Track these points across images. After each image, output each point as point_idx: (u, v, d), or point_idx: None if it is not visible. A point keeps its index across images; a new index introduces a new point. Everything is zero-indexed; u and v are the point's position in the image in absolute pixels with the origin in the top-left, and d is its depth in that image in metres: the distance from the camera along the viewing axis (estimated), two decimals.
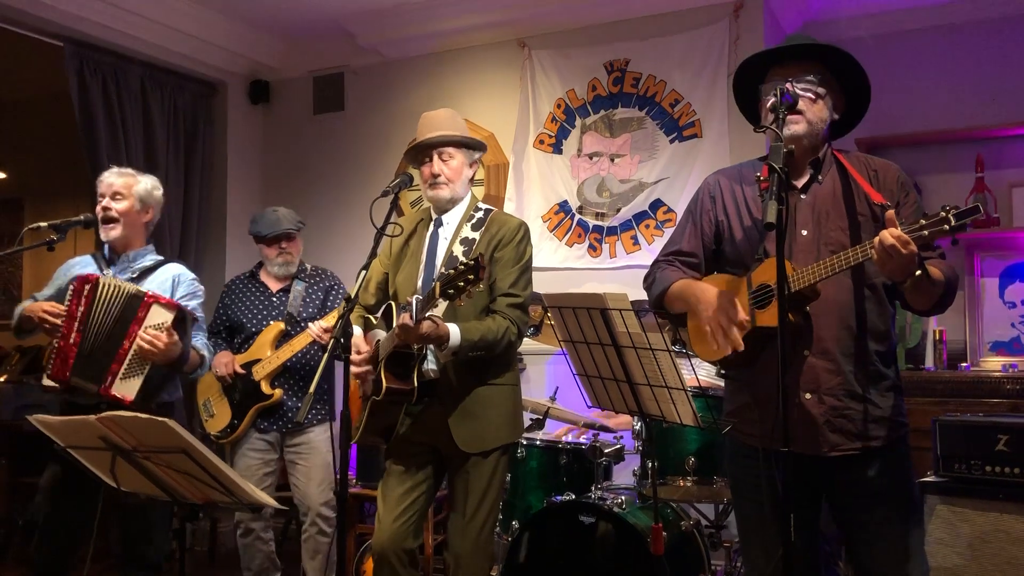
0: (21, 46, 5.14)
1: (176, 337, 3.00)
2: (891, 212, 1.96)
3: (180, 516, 2.41)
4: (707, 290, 2.25)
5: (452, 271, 2.47)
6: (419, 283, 2.94)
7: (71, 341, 3.00)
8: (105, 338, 3.00)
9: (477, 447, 2.85)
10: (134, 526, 3.06)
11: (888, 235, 1.90)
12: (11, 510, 5.45)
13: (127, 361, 2.98)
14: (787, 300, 1.94)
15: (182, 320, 3.03)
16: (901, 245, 1.89)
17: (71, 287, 3.03)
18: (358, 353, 2.83)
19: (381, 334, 2.91)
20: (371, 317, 3.03)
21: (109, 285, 3.01)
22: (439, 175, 2.95)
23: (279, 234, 3.96)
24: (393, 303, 2.90)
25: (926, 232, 1.89)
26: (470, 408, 2.85)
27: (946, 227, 1.87)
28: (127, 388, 2.97)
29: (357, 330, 2.92)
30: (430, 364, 2.81)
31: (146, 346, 2.95)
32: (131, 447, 2.20)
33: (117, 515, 3.05)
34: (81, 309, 3.00)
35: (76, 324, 3.00)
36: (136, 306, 2.98)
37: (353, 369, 2.79)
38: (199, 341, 3.23)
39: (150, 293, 3.00)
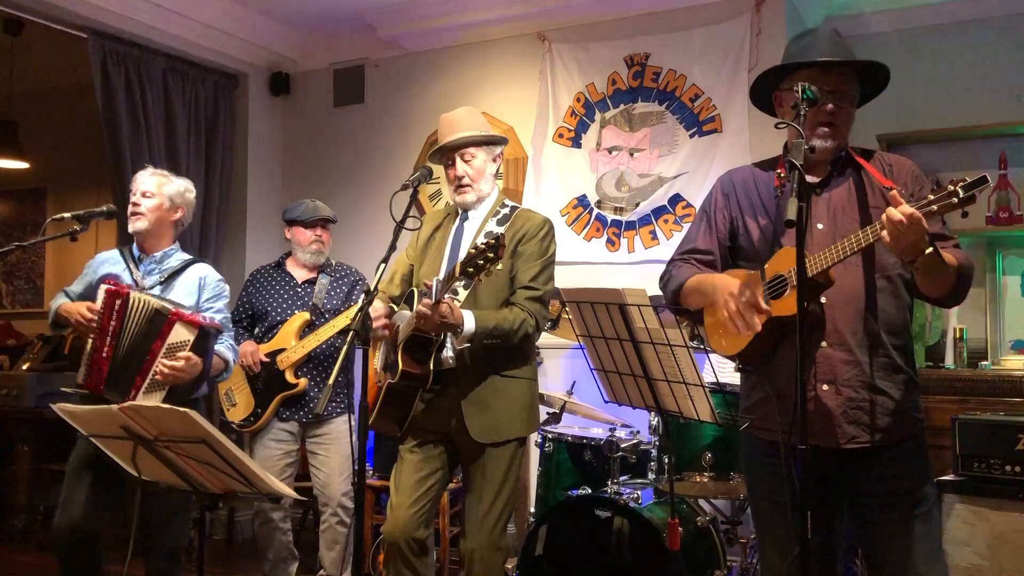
0: (45, 37, 5.19)
1: (195, 359, 3.02)
2: (895, 192, 1.94)
3: (200, 505, 2.43)
4: (723, 279, 2.25)
5: (473, 250, 2.51)
6: (442, 274, 2.95)
7: (104, 355, 3.05)
8: (131, 352, 3.04)
9: (491, 438, 2.87)
10: (154, 513, 3.09)
11: (894, 211, 1.90)
12: (33, 497, 5.52)
13: (150, 377, 3.01)
14: (802, 288, 1.94)
15: (204, 337, 3.05)
16: (907, 219, 1.88)
17: (102, 297, 3.05)
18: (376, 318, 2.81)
19: (402, 320, 2.92)
20: (394, 306, 3.04)
21: (138, 300, 3.05)
22: (463, 177, 2.98)
23: (317, 219, 4.01)
24: (415, 290, 2.91)
25: (935, 207, 1.88)
26: (485, 399, 2.86)
27: (954, 200, 1.85)
28: (149, 401, 2.97)
29: (377, 303, 2.92)
30: (448, 352, 2.82)
31: (166, 371, 2.98)
32: (152, 436, 2.22)
33: (138, 501, 3.08)
34: (113, 323, 3.04)
35: (108, 338, 3.04)
36: (160, 324, 3.01)
37: (376, 325, 2.78)
38: (224, 344, 3.27)
39: (174, 310, 3.02)
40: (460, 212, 3.05)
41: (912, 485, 2.18)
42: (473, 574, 2.88)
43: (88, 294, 3.22)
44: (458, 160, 2.98)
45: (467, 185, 2.98)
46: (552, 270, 3.01)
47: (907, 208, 1.89)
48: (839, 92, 2.21)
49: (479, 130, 3.02)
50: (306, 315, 3.95)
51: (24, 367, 5.81)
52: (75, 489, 3.06)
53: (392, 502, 2.94)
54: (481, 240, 2.89)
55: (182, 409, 2.11)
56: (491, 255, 2.47)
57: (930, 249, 1.95)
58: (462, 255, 2.93)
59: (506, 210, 3.03)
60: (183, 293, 3.22)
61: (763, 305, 2.11)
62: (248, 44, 5.57)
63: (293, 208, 4.08)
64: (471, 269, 2.50)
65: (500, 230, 2.94)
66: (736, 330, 2.16)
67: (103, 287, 3.08)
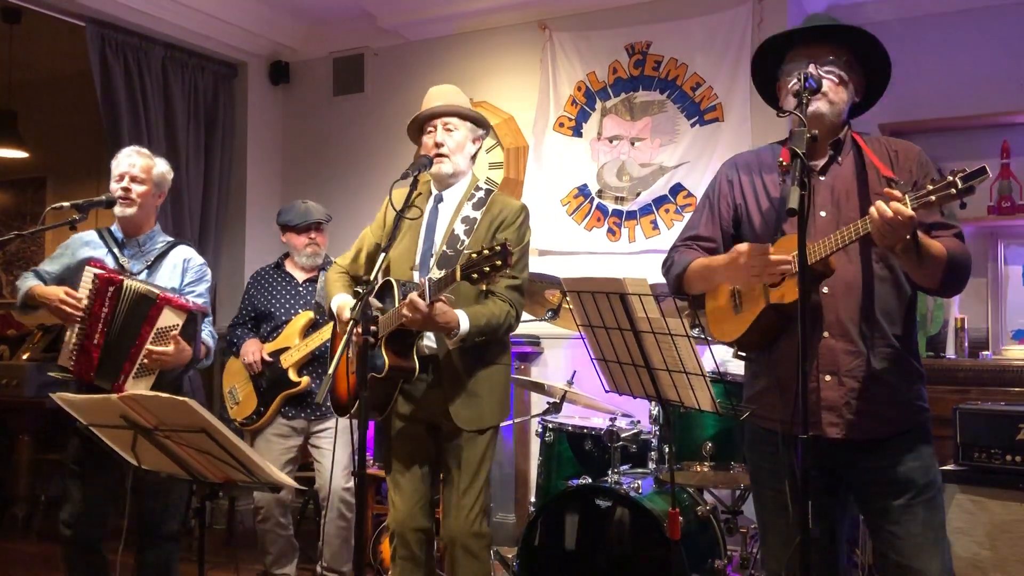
0: (44, 26, 5.17)
1: (184, 344, 3.00)
2: (888, 190, 1.93)
3: (200, 495, 2.43)
4: (724, 257, 2.23)
5: (475, 255, 2.47)
6: (417, 259, 2.94)
7: (95, 342, 3.02)
8: (120, 339, 3.01)
9: (475, 425, 2.87)
10: (150, 498, 3.09)
11: (884, 206, 1.89)
12: (34, 486, 5.52)
13: (139, 362, 2.99)
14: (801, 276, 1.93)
15: (192, 322, 3.03)
16: (899, 216, 1.88)
17: (91, 284, 3.01)
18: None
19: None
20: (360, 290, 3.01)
21: (129, 287, 3.01)
22: (442, 144, 2.92)
23: (309, 224, 4.02)
24: (394, 281, 2.88)
25: (933, 197, 1.87)
26: (470, 387, 2.86)
27: (953, 191, 1.84)
28: (139, 387, 2.97)
29: (345, 298, 2.90)
30: (428, 340, 2.83)
31: (156, 356, 2.97)
32: (152, 426, 2.21)
33: (133, 487, 3.08)
34: (105, 311, 3.00)
35: (100, 325, 3.01)
36: (147, 308, 2.98)
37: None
38: (204, 331, 3.20)
39: (161, 294, 2.98)
40: (434, 193, 3.01)
41: (916, 473, 2.17)
42: (455, 560, 2.87)
43: (66, 276, 3.16)
44: (439, 127, 2.93)
45: (444, 155, 2.92)
46: (528, 257, 3.00)
47: (899, 206, 1.88)
48: (825, 60, 2.20)
49: (468, 108, 2.99)
50: (310, 314, 3.96)
51: (24, 357, 5.81)
52: (70, 489, 3.08)
53: (392, 498, 2.96)
54: (461, 233, 2.87)
55: (181, 398, 2.10)
56: (499, 263, 2.42)
57: (908, 236, 1.94)
58: (438, 237, 2.91)
59: (481, 193, 2.98)
60: (167, 276, 3.19)
61: (775, 253, 2.10)
62: (247, 33, 5.55)
63: (285, 212, 4.07)
64: (475, 275, 2.46)
65: (477, 215, 2.91)
66: (770, 280, 2.13)
67: (89, 270, 3.03)
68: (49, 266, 3.22)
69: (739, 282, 2.22)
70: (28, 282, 3.14)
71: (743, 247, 2.16)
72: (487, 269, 2.44)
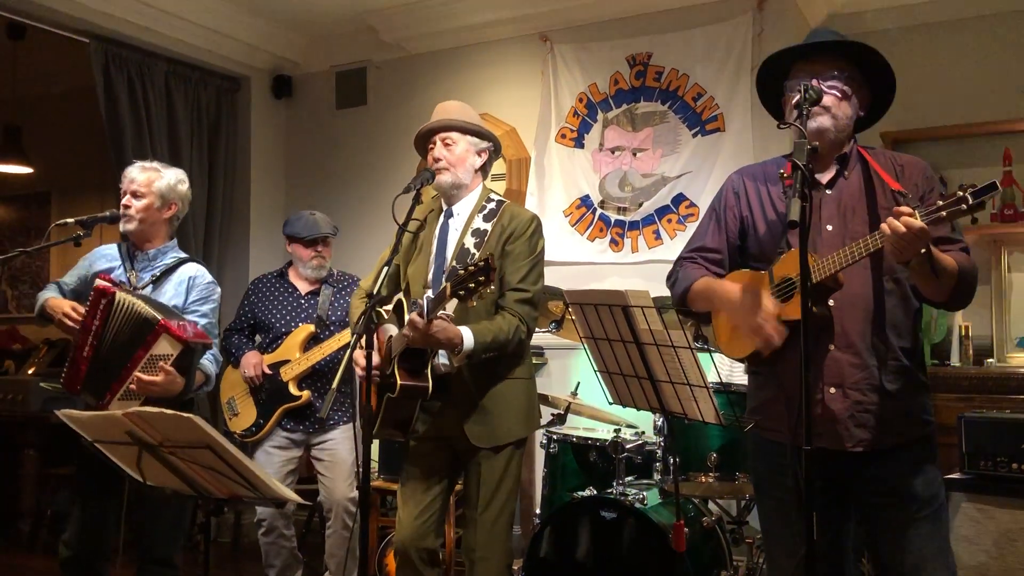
0: (48, 42, 5.20)
1: (175, 375, 2.91)
2: (903, 202, 1.93)
3: (205, 510, 2.43)
4: (729, 289, 2.24)
5: (463, 271, 2.45)
6: (430, 275, 2.92)
7: (84, 354, 2.98)
8: (112, 356, 2.96)
9: (490, 442, 2.84)
10: (145, 521, 3.05)
11: (896, 222, 1.89)
12: (39, 501, 5.53)
13: (127, 384, 2.94)
14: (810, 292, 1.93)
15: (188, 354, 2.94)
16: (916, 231, 1.88)
17: (91, 294, 2.98)
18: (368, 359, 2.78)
19: (392, 328, 2.90)
20: (382, 311, 3.01)
21: (124, 302, 2.94)
22: (440, 159, 2.91)
23: (316, 237, 4.00)
24: (404, 299, 2.87)
25: (944, 213, 1.87)
26: (483, 404, 2.83)
27: (963, 206, 1.84)
28: (124, 408, 2.93)
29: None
30: (442, 359, 2.80)
31: (143, 382, 2.90)
32: (157, 442, 2.21)
33: (130, 507, 3.06)
34: (96, 323, 2.95)
35: (90, 338, 2.96)
36: (146, 333, 2.91)
37: (359, 372, 2.77)
38: (207, 356, 3.13)
39: (162, 320, 2.91)
40: (444, 208, 3.00)
41: (920, 486, 2.17)
42: None
43: (82, 289, 3.15)
44: (438, 143, 2.94)
45: (444, 167, 2.91)
46: (541, 268, 2.95)
47: (909, 220, 1.88)
48: (828, 75, 2.20)
49: (468, 120, 2.98)
50: (311, 327, 3.95)
51: (30, 372, 5.83)
52: (72, 510, 3.07)
53: (399, 515, 2.93)
54: (471, 246, 2.86)
55: (186, 415, 2.10)
56: (482, 278, 2.40)
57: (923, 249, 1.94)
58: (449, 252, 2.91)
59: (492, 205, 2.96)
60: (172, 292, 3.15)
61: (773, 313, 2.10)
62: (250, 47, 5.58)
63: (292, 223, 4.05)
64: (462, 292, 2.44)
65: (487, 227, 2.89)
66: (758, 346, 2.14)
67: (96, 283, 3.01)
68: (68, 278, 3.23)
69: (735, 322, 2.22)
70: (47, 293, 3.14)
71: (736, 298, 2.17)
72: (472, 286, 2.42)
